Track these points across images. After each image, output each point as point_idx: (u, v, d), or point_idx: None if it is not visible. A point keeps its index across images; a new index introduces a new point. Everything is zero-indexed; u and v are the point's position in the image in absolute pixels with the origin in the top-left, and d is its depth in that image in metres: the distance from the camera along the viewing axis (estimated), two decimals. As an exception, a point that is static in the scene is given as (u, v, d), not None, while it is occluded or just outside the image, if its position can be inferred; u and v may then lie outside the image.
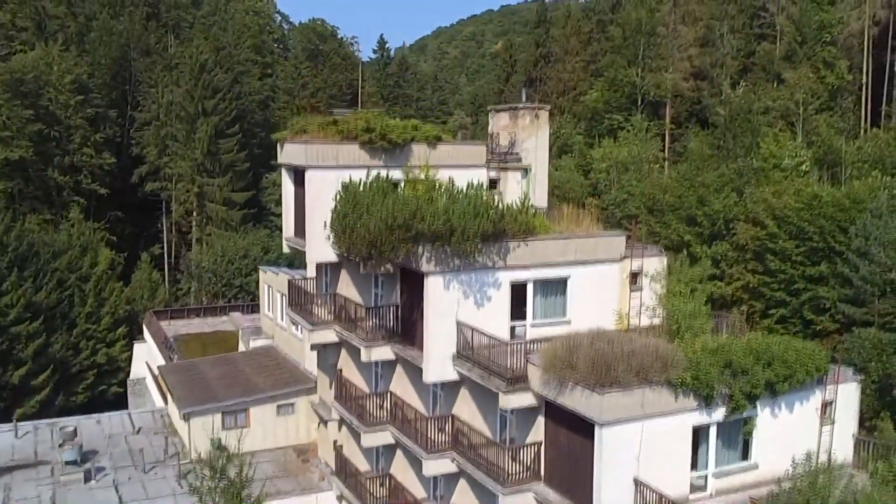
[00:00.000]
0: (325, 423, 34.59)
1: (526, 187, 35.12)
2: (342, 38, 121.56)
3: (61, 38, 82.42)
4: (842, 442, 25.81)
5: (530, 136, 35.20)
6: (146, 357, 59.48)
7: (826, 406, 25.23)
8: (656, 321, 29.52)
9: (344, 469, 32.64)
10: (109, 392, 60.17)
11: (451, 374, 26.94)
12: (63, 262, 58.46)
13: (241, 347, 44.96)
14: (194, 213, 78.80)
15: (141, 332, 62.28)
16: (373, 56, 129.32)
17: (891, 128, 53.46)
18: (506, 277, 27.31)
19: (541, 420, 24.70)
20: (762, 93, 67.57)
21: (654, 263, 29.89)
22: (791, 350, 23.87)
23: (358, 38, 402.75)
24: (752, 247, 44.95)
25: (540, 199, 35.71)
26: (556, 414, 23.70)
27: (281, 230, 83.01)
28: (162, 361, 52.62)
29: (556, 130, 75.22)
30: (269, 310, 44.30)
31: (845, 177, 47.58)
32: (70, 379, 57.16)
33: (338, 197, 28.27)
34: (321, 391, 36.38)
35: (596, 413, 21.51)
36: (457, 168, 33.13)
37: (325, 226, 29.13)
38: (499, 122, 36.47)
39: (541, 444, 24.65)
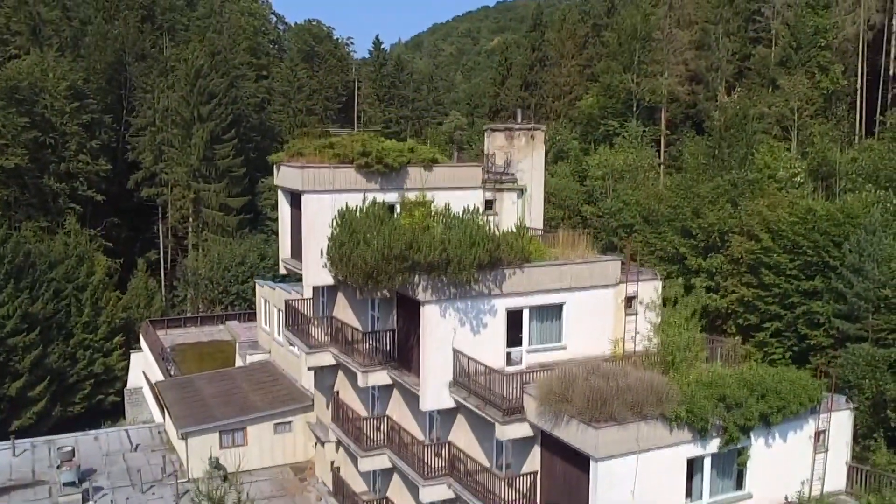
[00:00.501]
0: (323, 443, 34.71)
1: (522, 208, 35.24)
2: (338, 39, 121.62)
3: (56, 42, 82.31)
4: (835, 469, 26.02)
5: (526, 156, 35.29)
6: (143, 366, 59.63)
7: (819, 434, 25.42)
8: (651, 345, 29.74)
9: (341, 490, 32.81)
10: (107, 401, 60.26)
11: (447, 402, 27.09)
12: (59, 272, 58.48)
13: (239, 362, 45.08)
14: (190, 219, 78.78)
15: (138, 340, 62.39)
16: (368, 56, 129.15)
17: (885, 136, 53.52)
18: (501, 304, 27.45)
19: (537, 449, 24.90)
20: (757, 98, 67.77)
21: (649, 287, 30.00)
22: (785, 381, 24.06)
23: (353, 39, 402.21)
24: (747, 260, 45.14)
25: (535, 219, 35.85)
26: (552, 444, 23.88)
27: (277, 234, 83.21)
28: (159, 373, 52.78)
29: (552, 137, 75.30)
30: (265, 323, 44.41)
31: (839, 188, 47.75)
32: (67, 389, 57.22)
33: (334, 224, 28.36)
34: (318, 411, 36.51)
35: (591, 448, 21.69)
36: (453, 190, 33.27)
37: (322, 254, 29.21)
38: (494, 142, 36.53)
39: (537, 472, 24.85)
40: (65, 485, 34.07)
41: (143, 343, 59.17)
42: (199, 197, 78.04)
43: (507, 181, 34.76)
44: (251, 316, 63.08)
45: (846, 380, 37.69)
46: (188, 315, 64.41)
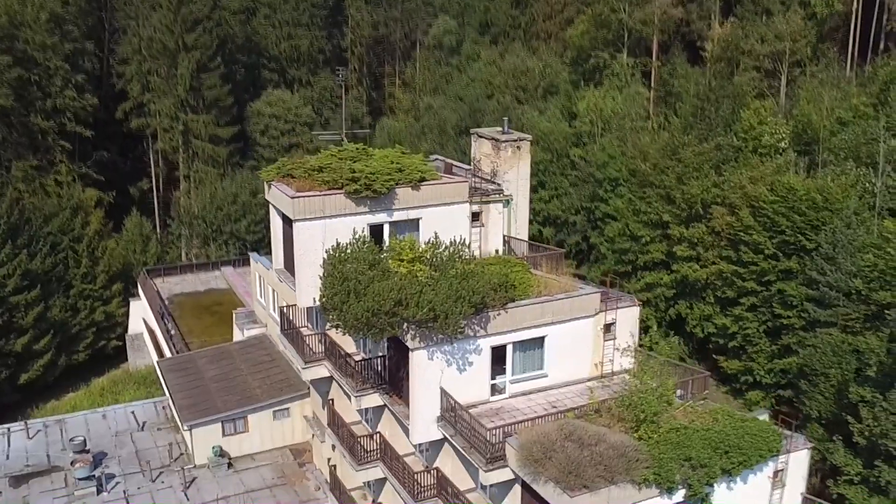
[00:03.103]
0: (321, 441, 36.98)
1: (507, 217, 36.19)
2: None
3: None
4: (791, 500, 28.36)
5: (511, 167, 35.94)
6: (142, 314, 61.58)
7: (778, 472, 27.61)
8: (628, 366, 31.60)
9: (338, 486, 35.31)
10: (109, 346, 62.47)
11: (435, 435, 29.11)
12: (55, 225, 59.36)
13: (237, 334, 46.81)
14: (180, 151, 78.79)
15: (136, 286, 64.03)
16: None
17: (871, 90, 53.46)
18: (486, 343, 29.06)
19: (517, 488, 27.11)
20: (750, 29, 66.97)
21: (628, 314, 31.53)
22: (747, 437, 26.04)
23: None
24: (727, 234, 46.45)
25: (521, 227, 36.88)
26: (531, 490, 26.00)
27: (267, 161, 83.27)
28: (156, 327, 54.86)
29: (542, 70, 74.74)
30: (261, 296, 45.83)
31: (821, 159, 48.48)
32: (71, 339, 59.27)
33: (325, 265, 29.44)
34: (314, 405, 38.64)
35: (566, 509, 23.84)
36: (440, 206, 34.20)
37: (315, 301, 30.49)
38: (481, 149, 37.06)
39: (517, 508, 27.19)
40: (79, 479, 36.44)
41: (141, 293, 60.86)
42: (188, 128, 77.74)
43: (493, 192, 35.55)
44: (245, 261, 64.51)
45: (813, 368, 39.97)
46: (183, 263, 65.70)
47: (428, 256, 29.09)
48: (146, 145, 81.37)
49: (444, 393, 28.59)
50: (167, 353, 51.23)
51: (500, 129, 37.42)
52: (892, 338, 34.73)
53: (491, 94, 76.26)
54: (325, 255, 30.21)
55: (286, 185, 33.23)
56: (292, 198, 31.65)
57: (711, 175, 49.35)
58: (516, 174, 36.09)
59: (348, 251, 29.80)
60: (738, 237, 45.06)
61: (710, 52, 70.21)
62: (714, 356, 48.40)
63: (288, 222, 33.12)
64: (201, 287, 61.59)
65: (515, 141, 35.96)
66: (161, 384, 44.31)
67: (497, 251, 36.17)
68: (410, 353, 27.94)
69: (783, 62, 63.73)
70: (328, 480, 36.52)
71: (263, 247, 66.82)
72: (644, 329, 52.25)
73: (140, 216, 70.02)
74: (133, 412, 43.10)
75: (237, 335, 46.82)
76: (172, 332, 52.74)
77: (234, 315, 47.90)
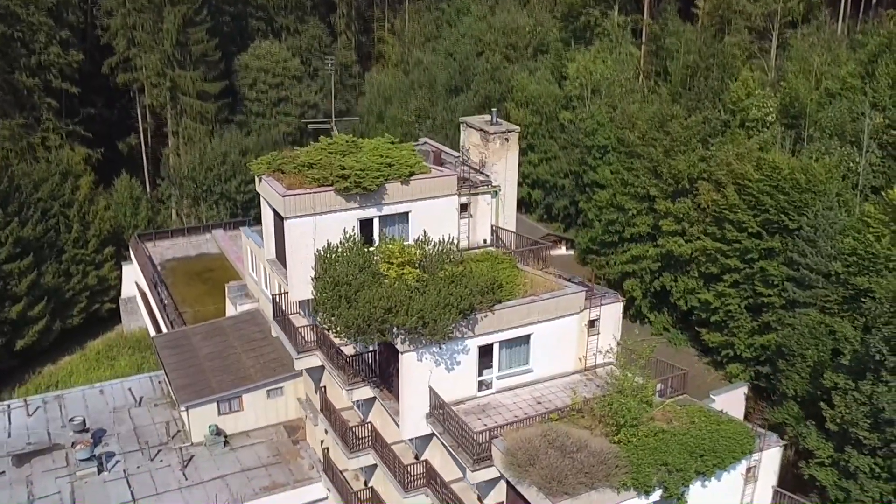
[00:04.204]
0: (314, 424, 38.17)
1: (495, 208, 36.72)
2: None
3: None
4: (762, 493, 29.78)
5: (500, 159, 36.31)
6: (135, 278, 62.33)
7: (750, 469, 28.94)
8: (610, 359, 32.70)
9: (330, 467, 36.64)
10: (103, 309, 63.38)
11: (424, 431, 30.25)
12: (45, 191, 59.51)
13: (229, 308, 47.59)
14: (168, 107, 78.29)
15: (127, 249, 64.63)
16: None
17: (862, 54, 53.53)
18: (473, 343, 29.96)
19: (503, 484, 28.39)
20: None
21: (611, 310, 32.43)
22: (721, 440, 27.25)
23: None
24: (712, 211, 47.17)
25: (509, 218, 37.42)
26: (516, 490, 27.26)
27: (256, 114, 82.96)
28: (150, 294, 55.64)
29: (533, 28, 74.15)
30: (252, 270, 46.50)
31: (807, 135, 48.92)
32: (64, 304, 60.08)
33: (317, 277, 30.07)
34: (307, 387, 39.72)
35: (549, 513, 25.14)
36: (430, 199, 34.70)
37: (308, 308, 31.19)
38: (470, 139, 37.36)
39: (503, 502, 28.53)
40: (81, 461, 37.67)
41: (133, 258, 61.45)
42: (176, 84, 77.12)
43: (482, 183, 36.01)
44: (236, 224, 65.13)
45: (791, 349, 41.20)
46: (174, 228, 66.10)
47: (417, 260, 29.66)
48: (134, 98, 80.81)
49: (432, 392, 29.62)
50: (161, 323, 52.19)
51: (487, 118, 37.64)
52: (866, 328, 35.80)
53: (481, 52, 75.76)
54: (316, 254, 30.85)
55: (277, 180, 33.59)
56: (283, 196, 32.07)
57: (699, 149, 49.78)
58: (504, 165, 36.50)
59: (339, 251, 30.43)
60: (724, 215, 45.77)
61: (703, 9, 69.89)
62: (696, 328, 49.64)
63: (279, 218, 33.61)
64: (193, 251, 62.22)
65: (504, 133, 36.26)
66: (157, 358, 45.20)
67: (485, 240, 36.84)
68: (400, 355, 28.85)
69: (775, 22, 63.51)
70: (321, 460, 37.83)
71: (254, 207, 67.31)
72: (630, 300, 53.59)
73: (130, 178, 70.01)
74: (130, 388, 44.12)
75: (230, 309, 47.66)
76: (166, 301, 53.59)
77: (226, 289, 48.63)
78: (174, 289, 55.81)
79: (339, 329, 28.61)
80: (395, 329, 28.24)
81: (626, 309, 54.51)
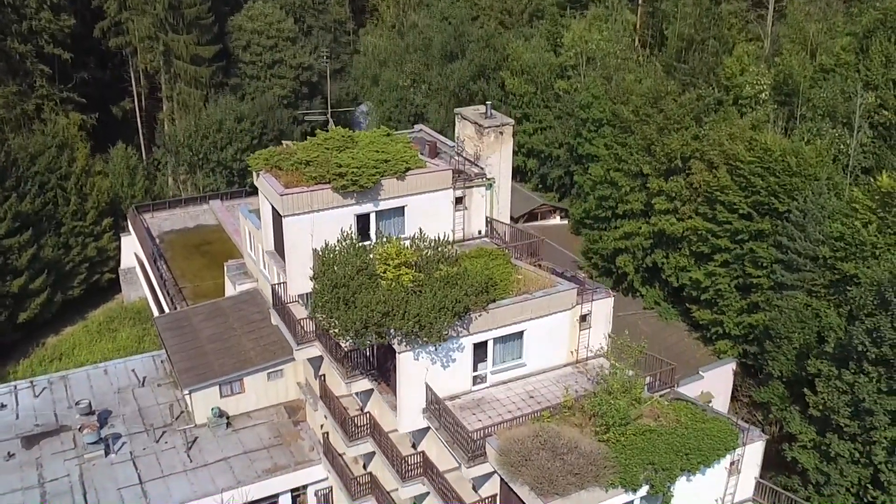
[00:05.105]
0: (314, 409, 39.30)
1: (490, 199, 37.32)
2: None
3: None
4: (745, 484, 31.08)
5: (494, 152, 36.80)
6: (133, 249, 63.02)
7: (734, 462, 30.18)
8: (602, 352, 33.74)
9: (330, 450, 37.92)
10: (103, 280, 64.15)
11: (421, 424, 31.39)
12: (42, 164, 59.69)
13: (229, 288, 48.37)
14: (161, 71, 77.89)
15: (125, 219, 65.16)
16: None
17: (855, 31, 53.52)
18: (468, 341, 30.92)
19: (496, 477, 29.60)
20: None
21: (602, 305, 33.33)
22: (706, 439, 28.41)
23: None
24: (704, 191, 47.78)
25: (503, 209, 38.03)
26: (509, 485, 28.49)
27: (250, 77, 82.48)
28: (149, 268, 56.39)
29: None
30: (251, 250, 47.18)
31: (799, 113, 49.26)
32: (65, 276, 60.81)
33: (316, 276, 30.80)
34: (307, 373, 40.78)
35: (540, 511, 26.41)
36: (426, 193, 35.30)
37: (308, 300, 31.93)
38: (465, 131, 37.77)
39: (496, 496, 29.78)
40: (88, 444, 38.87)
41: (131, 230, 62.03)
42: (169, 48, 76.61)
43: (476, 176, 36.56)
44: (233, 195, 65.66)
45: (777, 331, 42.28)
46: (172, 199, 66.50)
47: (413, 260, 30.39)
48: (127, 61, 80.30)
49: (428, 388, 30.65)
50: (161, 299, 53.06)
51: (482, 110, 37.97)
52: (850, 316, 36.80)
53: (476, 16, 75.26)
54: (314, 252, 31.58)
55: (275, 177, 34.10)
56: (282, 195, 32.64)
57: (692, 126, 50.13)
58: (499, 158, 37.01)
59: (337, 250, 31.14)
60: (715, 196, 46.39)
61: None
62: (687, 304, 50.64)
63: (278, 215, 34.20)
64: (191, 223, 62.83)
65: (498, 126, 36.67)
66: (159, 340, 46.14)
67: (480, 231, 37.54)
68: (397, 354, 29.80)
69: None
70: (321, 443, 39.09)
71: (250, 174, 67.60)
72: (622, 275, 54.52)
73: (126, 147, 70.07)
74: (133, 369, 45.14)
75: (229, 289, 48.45)
76: (166, 277, 54.40)
77: (225, 268, 49.37)
78: (173, 263, 56.57)
79: (337, 331, 29.48)
80: (392, 331, 29.13)
81: (618, 283, 55.79)
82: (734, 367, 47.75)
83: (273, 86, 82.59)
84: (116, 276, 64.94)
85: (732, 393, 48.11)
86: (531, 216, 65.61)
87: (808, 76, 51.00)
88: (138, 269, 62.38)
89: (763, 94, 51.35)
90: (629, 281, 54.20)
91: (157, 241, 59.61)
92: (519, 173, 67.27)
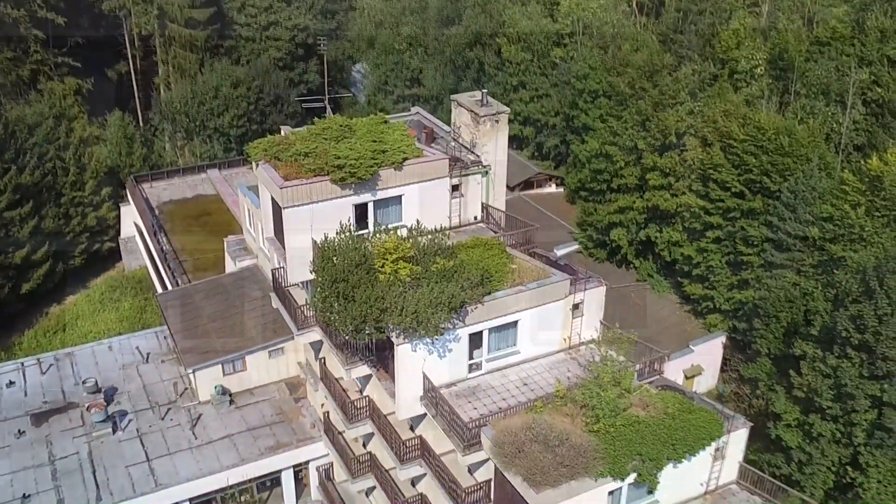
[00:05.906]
0: (314, 390, 40.43)
1: (486, 186, 37.92)
2: None
3: None
4: (729, 468, 32.37)
5: (490, 140, 37.26)
6: (133, 218, 63.68)
7: (719, 448, 31.40)
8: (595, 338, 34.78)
9: (331, 429, 39.18)
10: (104, 249, 64.88)
11: (419, 411, 32.53)
12: (40, 135, 59.97)
13: (229, 264, 49.16)
14: (156, 35, 77.49)
15: (124, 188, 65.66)
16: None
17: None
18: (464, 332, 31.84)
19: (491, 463, 30.87)
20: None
21: (594, 294, 34.23)
22: (693, 430, 29.58)
23: None
24: (697, 168, 48.38)
25: (498, 196, 38.65)
26: (502, 473, 29.76)
27: (246, 39, 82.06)
28: (150, 240, 57.13)
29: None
30: (250, 226, 47.88)
31: (794, 89, 49.56)
32: (66, 246, 61.51)
33: (316, 269, 31.58)
34: (307, 353, 41.81)
35: (532, 499, 27.64)
36: (422, 182, 35.90)
37: (308, 288, 32.74)
38: (461, 118, 38.17)
39: (490, 481, 31.10)
40: (96, 423, 40.10)
41: (130, 201, 62.58)
42: (164, 11, 76.16)
43: (472, 164, 37.09)
44: (231, 163, 66.09)
45: (766, 310, 43.32)
46: (170, 168, 66.85)
47: (412, 254, 31.16)
48: (121, 23, 79.76)
49: (426, 377, 31.71)
50: (162, 273, 53.93)
51: (478, 97, 38.29)
52: (836, 299, 37.75)
53: (472, -21, 74.59)
54: (314, 244, 32.34)
55: (274, 168, 34.64)
56: (281, 188, 33.24)
57: (688, 101, 50.46)
58: (494, 146, 37.50)
59: (336, 242, 31.87)
60: (708, 174, 46.98)
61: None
62: (679, 278, 51.59)
63: (277, 206, 34.82)
64: (189, 193, 63.41)
65: (494, 114, 37.08)
66: (161, 317, 47.08)
67: (476, 217, 38.23)
68: (395, 346, 30.77)
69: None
70: (322, 420, 40.34)
71: (246, 140, 67.87)
72: (616, 248, 55.37)
73: (123, 115, 70.13)
74: (137, 346, 46.18)
75: (229, 265, 49.27)
76: (166, 249, 55.17)
77: (225, 244, 50.09)
78: (172, 235, 57.33)
79: (336, 326, 30.40)
80: (390, 326, 30.05)
81: (612, 255, 56.65)
82: (724, 341, 48.91)
83: (268, 48, 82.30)
84: (117, 244, 65.67)
85: (721, 366, 49.37)
86: (527, 184, 66.19)
87: (803, 50, 51.17)
88: (137, 238, 63.15)
89: (758, 69, 51.54)
90: (623, 253, 55.06)
91: (157, 211, 60.23)
92: (515, 141, 67.60)
